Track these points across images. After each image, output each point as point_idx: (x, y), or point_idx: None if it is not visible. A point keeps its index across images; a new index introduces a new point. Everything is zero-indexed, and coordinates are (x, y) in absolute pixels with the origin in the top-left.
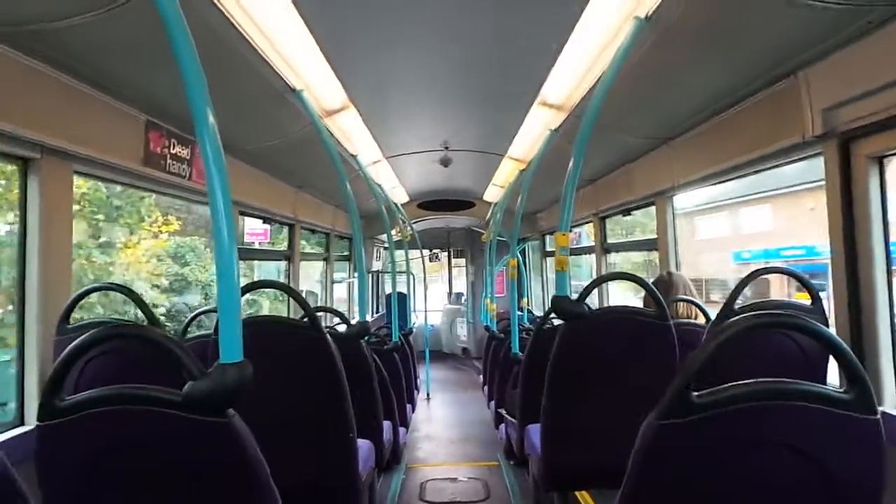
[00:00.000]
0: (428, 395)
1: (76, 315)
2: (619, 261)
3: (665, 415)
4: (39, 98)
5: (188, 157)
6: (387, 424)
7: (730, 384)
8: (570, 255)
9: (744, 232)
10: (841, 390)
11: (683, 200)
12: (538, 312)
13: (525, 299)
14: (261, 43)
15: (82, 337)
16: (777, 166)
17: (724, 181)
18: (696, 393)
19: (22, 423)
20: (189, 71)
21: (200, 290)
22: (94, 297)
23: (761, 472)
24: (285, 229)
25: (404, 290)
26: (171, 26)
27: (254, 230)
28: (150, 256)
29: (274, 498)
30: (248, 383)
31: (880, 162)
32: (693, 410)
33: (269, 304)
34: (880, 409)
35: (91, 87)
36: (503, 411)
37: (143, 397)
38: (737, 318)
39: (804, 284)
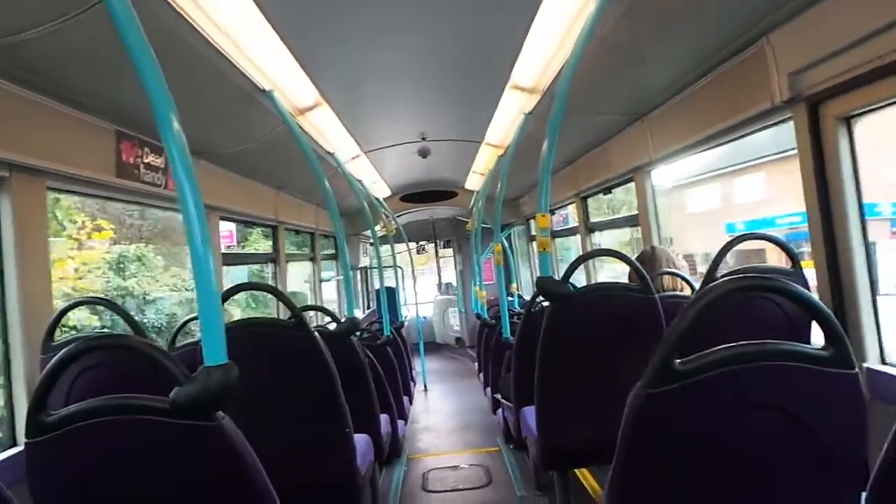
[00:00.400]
0: (425, 386)
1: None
2: (609, 241)
3: (651, 384)
4: (4, 115)
5: (162, 166)
6: (384, 418)
7: (711, 349)
8: (557, 237)
9: (736, 202)
10: (819, 348)
11: (670, 175)
12: (528, 297)
13: (514, 284)
14: (225, 45)
15: (63, 351)
16: (750, 134)
17: (699, 152)
18: (678, 361)
19: (14, 444)
20: (148, 76)
21: (151, 303)
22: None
23: (748, 434)
24: (258, 230)
25: (393, 285)
26: (126, 32)
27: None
28: (85, 269)
29: (270, 497)
30: (233, 385)
31: (848, 122)
32: (677, 378)
33: (239, 312)
34: (864, 365)
35: (56, 100)
36: (499, 396)
37: (130, 406)
38: (715, 283)
39: (783, 248)
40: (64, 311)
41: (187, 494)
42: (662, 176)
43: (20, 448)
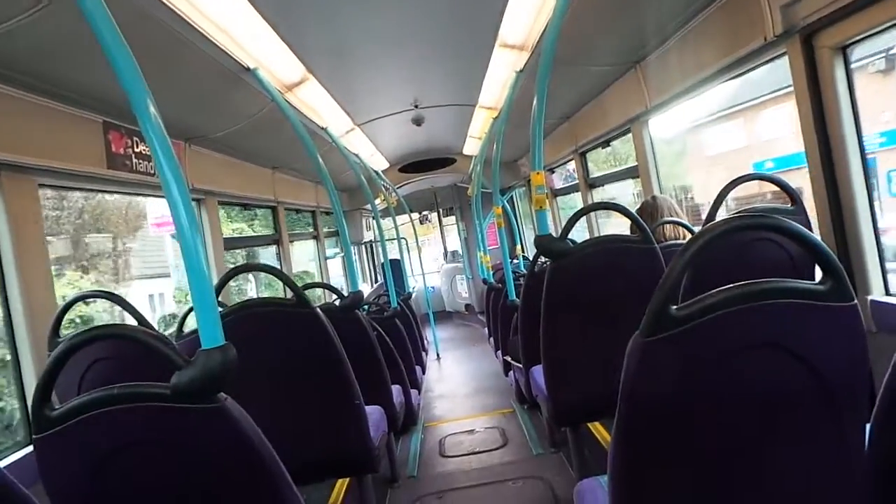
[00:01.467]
0: (438, 355)
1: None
2: (616, 195)
3: (647, 332)
4: None
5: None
6: (396, 389)
7: (707, 293)
8: (560, 195)
9: (764, 138)
10: (817, 282)
11: (684, 116)
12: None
13: (519, 246)
14: (204, 25)
15: (60, 345)
16: (746, 73)
17: (696, 96)
18: (674, 307)
19: (30, 443)
20: (119, 60)
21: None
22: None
23: (748, 376)
24: (233, 210)
25: (398, 257)
26: (93, 16)
27: (162, 219)
28: None
29: (281, 474)
30: (232, 365)
31: (844, 53)
32: (674, 324)
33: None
34: (869, 297)
35: (39, 95)
36: (509, 358)
37: (133, 395)
38: (709, 224)
39: (782, 187)
40: (67, 306)
41: (197, 477)
42: (675, 118)
43: None
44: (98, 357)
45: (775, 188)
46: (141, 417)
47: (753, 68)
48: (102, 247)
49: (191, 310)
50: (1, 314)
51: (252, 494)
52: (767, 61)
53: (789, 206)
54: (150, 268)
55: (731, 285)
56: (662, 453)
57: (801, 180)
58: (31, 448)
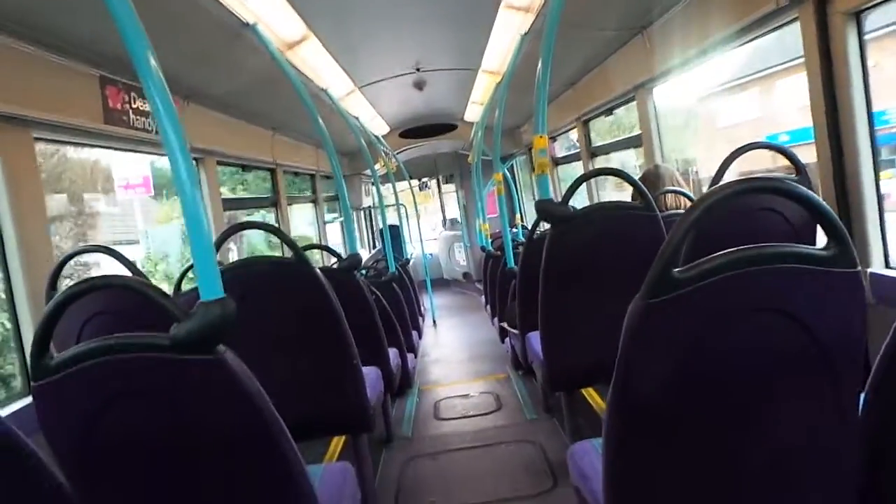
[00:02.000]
0: (434, 321)
1: None
2: (617, 166)
3: (649, 294)
4: None
5: (151, 111)
6: (393, 352)
7: (710, 256)
8: (561, 164)
9: (779, 109)
10: (821, 248)
11: (696, 84)
12: None
13: (518, 215)
14: None
15: (59, 293)
16: (754, 39)
17: (702, 63)
18: (677, 270)
19: (29, 394)
20: (119, 12)
21: None
22: None
23: (748, 340)
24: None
25: (396, 223)
26: None
27: (128, 181)
28: None
29: (279, 427)
30: (231, 318)
31: (857, 17)
32: (676, 286)
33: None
34: (868, 270)
35: (37, 46)
36: (505, 324)
37: (132, 345)
38: (711, 189)
39: (787, 157)
40: (65, 260)
41: (196, 427)
42: (684, 87)
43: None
44: (96, 311)
45: (788, 163)
46: (139, 367)
47: (763, 34)
48: (63, 209)
49: (188, 269)
50: None
51: (250, 447)
52: (778, 27)
53: (794, 176)
54: (117, 233)
55: (734, 249)
56: (659, 415)
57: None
58: (30, 399)
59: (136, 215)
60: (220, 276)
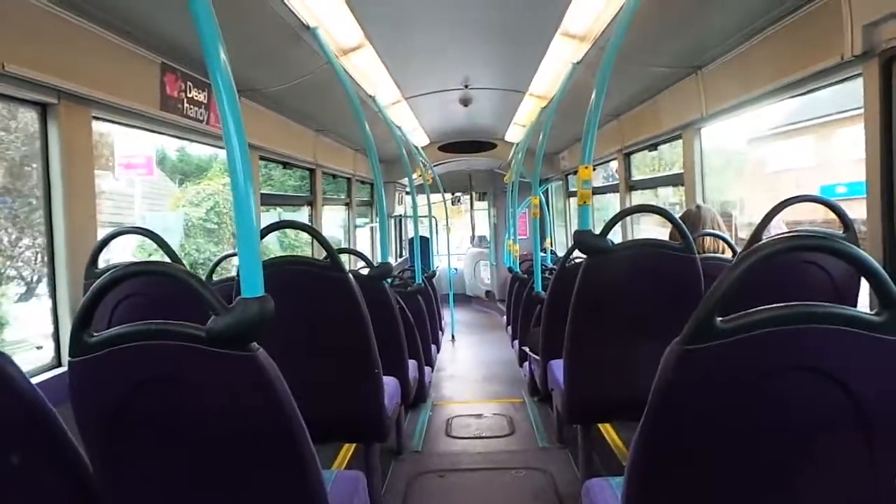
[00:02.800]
0: (453, 336)
1: None
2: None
3: (689, 340)
4: (53, 42)
5: (205, 101)
6: (412, 363)
7: (756, 308)
8: (596, 193)
9: (834, 159)
10: (872, 313)
11: (745, 127)
12: (562, 254)
13: (549, 240)
14: None
15: (107, 273)
16: (810, 91)
17: (755, 109)
18: (720, 319)
19: (59, 365)
20: (198, 6)
21: None
22: None
23: (787, 399)
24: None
25: (427, 235)
26: None
27: (130, 160)
28: None
29: (302, 430)
30: (269, 317)
31: None
32: (718, 336)
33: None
34: None
35: (104, 28)
36: (526, 349)
37: (169, 332)
38: (763, 241)
39: (835, 212)
40: (107, 240)
41: (221, 421)
42: (735, 127)
43: (64, 369)
44: (129, 293)
45: (833, 216)
46: (174, 355)
47: (820, 88)
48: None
49: (221, 259)
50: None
51: (271, 445)
52: (838, 82)
53: (841, 232)
54: (110, 214)
55: (782, 304)
56: (687, 464)
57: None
58: (56, 371)
59: (134, 198)
60: (262, 274)
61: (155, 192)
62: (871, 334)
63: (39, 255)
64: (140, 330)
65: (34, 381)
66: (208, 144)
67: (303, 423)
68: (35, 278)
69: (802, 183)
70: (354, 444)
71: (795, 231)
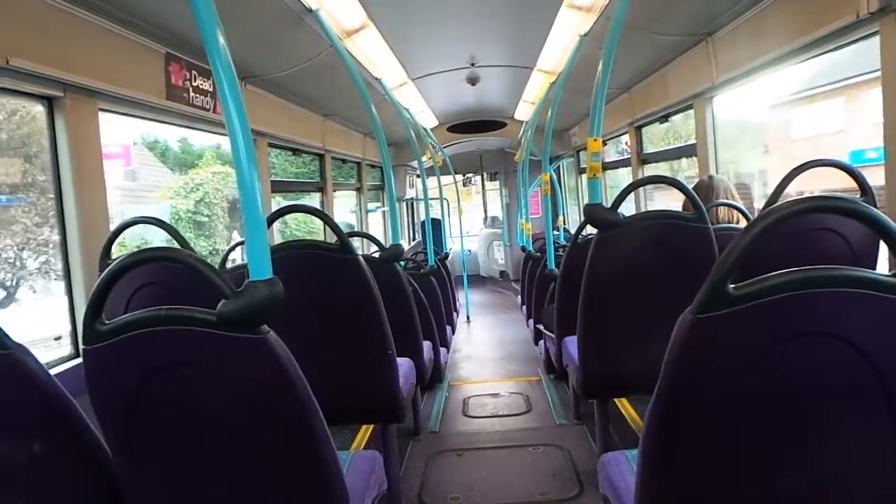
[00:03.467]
0: (468, 317)
1: None
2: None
3: (701, 308)
4: (57, 35)
5: (210, 90)
6: (427, 345)
7: (769, 274)
8: (607, 169)
9: (866, 122)
10: (890, 274)
11: (765, 93)
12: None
13: (561, 217)
14: None
15: (117, 260)
16: (825, 53)
17: (767, 74)
18: (732, 286)
19: (78, 356)
20: None
21: None
22: None
23: (802, 365)
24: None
25: (438, 217)
26: None
27: (105, 150)
28: None
29: (315, 410)
30: (278, 299)
31: None
32: (730, 303)
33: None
34: None
35: (107, 19)
36: (541, 327)
37: (180, 318)
38: (777, 205)
39: (853, 176)
40: (120, 229)
41: (235, 404)
42: (756, 93)
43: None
44: (145, 282)
45: (851, 185)
46: (186, 340)
47: (837, 48)
48: (13, 176)
49: (233, 247)
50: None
51: (285, 427)
52: (853, 41)
53: (859, 196)
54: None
55: (796, 269)
56: (701, 433)
57: None
58: (76, 361)
59: (110, 190)
60: (270, 257)
61: (137, 184)
62: (889, 296)
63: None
64: (151, 316)
65: (54, 372)
66: (215, 133)
67: (316, 404)
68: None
69: (831, 149)
70: (371, 427)
71: (811, 195)
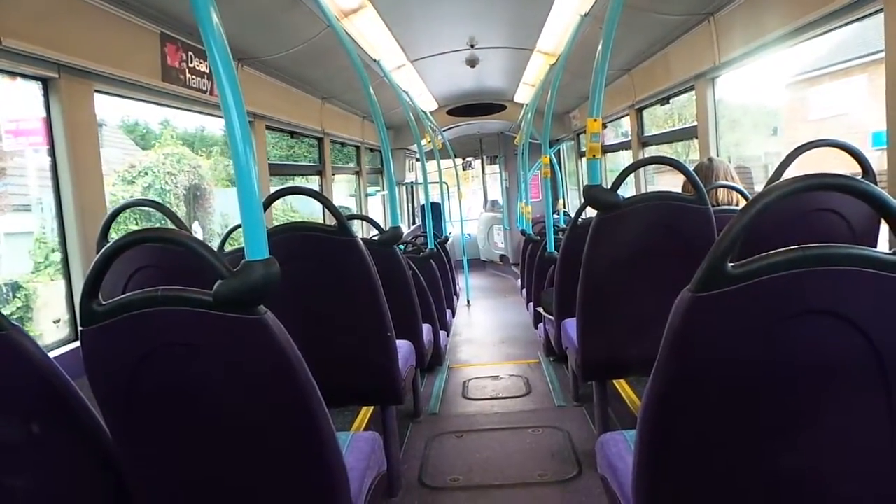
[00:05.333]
0: (468, 301)
1: None
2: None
3: (700, 287)
4: (51, 15)
5: (207, 71)
6: (427, 327)
7: (768, 252)
8: (607, 152)
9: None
10: (890, 252)
11: (787, 67)
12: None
13: (561, 201)
14: None
15: (112, 242)
16: (827, 32)
17: (772, 53)
18: (731, 264)
19: (76, 339)
20: None
21: None
22: None
23: (801, 343)
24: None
25: (438, 201)
26: None
27: (19, 126)
28: None
29: (313, 391)
30: (275, 279)
31: None
32: (729, 281)
33: None
34: None
35: (102, 0)
36: (541, 309)
37: (177, 298)
38: (776, 183)
39: (854, 156)
40: (117, 212)
41: (233, 385)
42: (773, 70)
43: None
44: (142, 265)
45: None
46: (183, 321)
47: (839, 27)
48: None
49: (232, 230)
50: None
51: (284, 407)
52: (858, 19)
53: (860, 177)
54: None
55: (795, 247)
56: (699, 412)
57: None
58: (75, 344)
59: (28, 173)
60: (266, 237)
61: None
62: (889, 275)
63: None
64: (147, 297)
65: (53, 354)
66: (212, 115)
67: (314, 384)
68: None
69: (848, 130)
70: (371, 409)
71: (811, 174)
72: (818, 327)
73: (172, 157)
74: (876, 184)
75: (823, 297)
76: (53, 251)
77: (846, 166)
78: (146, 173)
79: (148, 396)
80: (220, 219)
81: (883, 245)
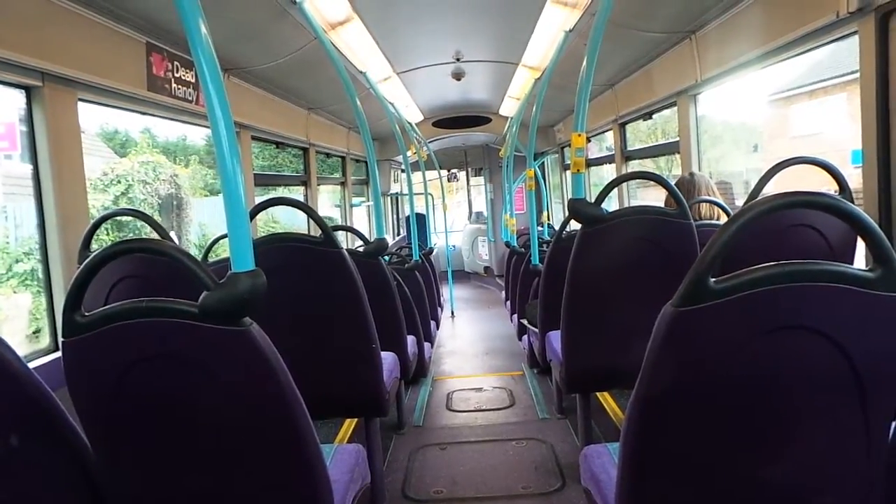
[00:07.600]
0: (452, 312)
1: None
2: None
3: (682, 301)
4: (35, 23)
5: (193, 81)
6: (411, 339)
7: (749, 268)
8: (591, 166)
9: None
10: (866, 269)
11: (768, 85)
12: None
13: (546, 213)
14: None
15: (95, 252)
16: (807, 52)
17: (750, 72)
18: (713, 280)
19: (57, 349)
20: None
21: None
22: None
23: (780, 358)
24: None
25: (423, 212)
26: None
27: None
28: None
29: (298, 403)
30: (261, 291)
31: None
32: (711, 296)
33: None
34: None
35: (87, 8)
36: (525, 322)
37: (161, 310)
38: (756, 200)
39: (831, 173)
40: (99, 222)
41: (217, 397)
42: (754, 87)
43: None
44: (125, 275)
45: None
46: (167, 332)
47: (815, 48)
48: None
49: (217, 240)
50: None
51: (268, 419)
52: (833, 41)
53: (836, 193)
54: None
55: (776, 263)
56: (681, 425)
57: None
58: (55, 354)
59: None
60: (252, 248)
61: (12, 172)
62: (864, 290)
63: None
64: (131, 308)
65: (32, 365)
66: (198, 125)
67: (299, 397)
68: None
69: (831, 147)
70: (355, 421)
71: (790, 192)
72: (797, 342)
73: (148, 165)
74: (852, 201)
75: (802, 312)
76: (17, 261)
77: (824, 183)
78: (119, 182)
79: (131, 408)
80: (199, 229)
81: (860, 261)
